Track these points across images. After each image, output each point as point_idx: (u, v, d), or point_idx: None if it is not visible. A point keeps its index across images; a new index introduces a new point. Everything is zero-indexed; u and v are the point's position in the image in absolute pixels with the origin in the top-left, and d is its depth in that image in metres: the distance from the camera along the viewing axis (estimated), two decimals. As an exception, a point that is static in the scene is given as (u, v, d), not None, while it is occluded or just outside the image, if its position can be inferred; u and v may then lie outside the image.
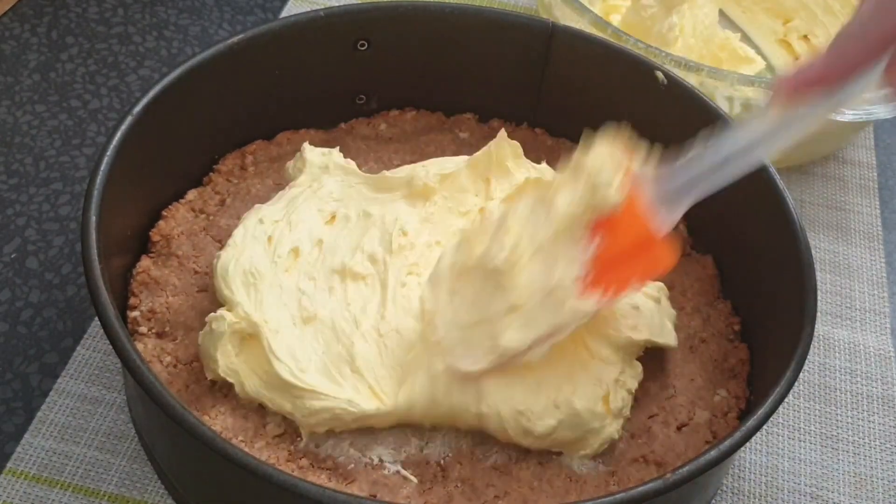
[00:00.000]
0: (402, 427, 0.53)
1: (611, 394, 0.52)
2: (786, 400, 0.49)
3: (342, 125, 0.71)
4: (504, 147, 0.61)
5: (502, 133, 0.61)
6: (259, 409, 0.53)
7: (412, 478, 0.52)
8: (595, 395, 0.52)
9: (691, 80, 0.67)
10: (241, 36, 0.62)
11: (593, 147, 0.50)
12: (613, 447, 0.54)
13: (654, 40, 0.76)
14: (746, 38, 0.87)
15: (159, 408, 0.45)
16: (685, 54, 0.76)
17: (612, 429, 0.53)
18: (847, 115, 0.68)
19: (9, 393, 0.59)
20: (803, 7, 0.87)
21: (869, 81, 0.44)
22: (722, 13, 0.88)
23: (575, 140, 0.71)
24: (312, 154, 0.61)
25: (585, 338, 0.54)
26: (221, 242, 0.61)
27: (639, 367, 0.56)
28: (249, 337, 0.53)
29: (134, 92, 0.79)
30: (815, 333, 0.65)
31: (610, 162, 0.50)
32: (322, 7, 0.65)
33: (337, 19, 0.65)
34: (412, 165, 0.62)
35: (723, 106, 0.70)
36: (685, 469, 0.46)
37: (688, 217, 0.66)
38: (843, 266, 0.73)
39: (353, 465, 0.52)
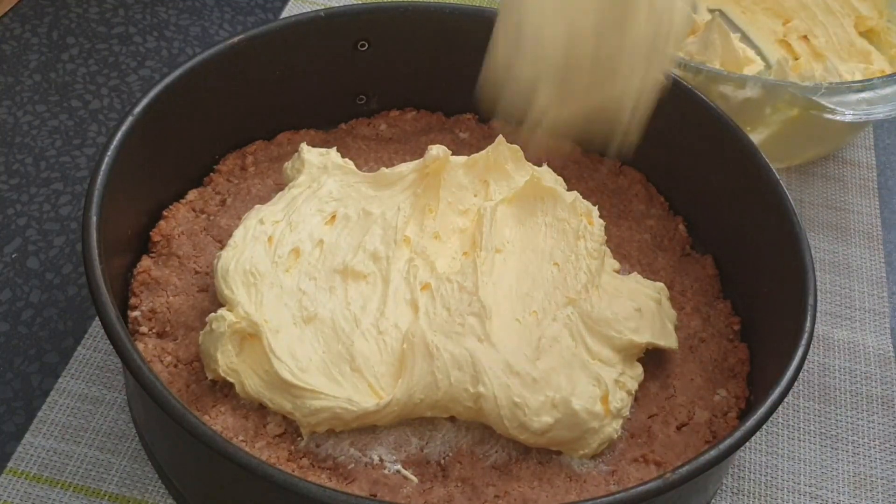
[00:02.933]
0: (403, 426, 0.53)
1: (610, 394, 0.52)
2: (786, 400, 0.49)
3: (342, 125, 0.71)
4: (503, 151, 0.61)
5: (500, 139, 0.61)
6: (259, 409, 0.53)
7: (412, 477, 0.52)
8: (594, 395, 0.52)
9: (691, 80, 0.67)
10: (241, 36, 0.62)
11: None
12: (613, 447, 0.54)
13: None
14: (746, 39, 0.87)
15: (160, 407, 0.45)
16: None
17: (611, 429, 0.53)
18: (847, 116, 0.68)
19: (9, 393, 0.59)
20: (803, 7, 0.87)
21: None
22: (722, 13, 0.88)
23: (575, 140, 0.72)
24: (310, 154, 0.61)
25: (586, 338, 0.54)
26: (222, 242, 0.61)
27: (639, 368, 0.56)
28: (250, 337, 0.53)
29: (134, 92, 0.79)
30: (815, 333, 0.65)
31: None
32: (322, 7, 0.65)
33: (337, 19, 0.65)
34: (412, 162, 0.62)
35: (722, 106, 0.70)
36: (685, 469, 0.46)
37: (688, 217, 0.67)
38: (843, 266, 0.73)
39: (353, 465, 0.52)
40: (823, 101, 0.68)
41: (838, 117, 0.68)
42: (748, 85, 0.69)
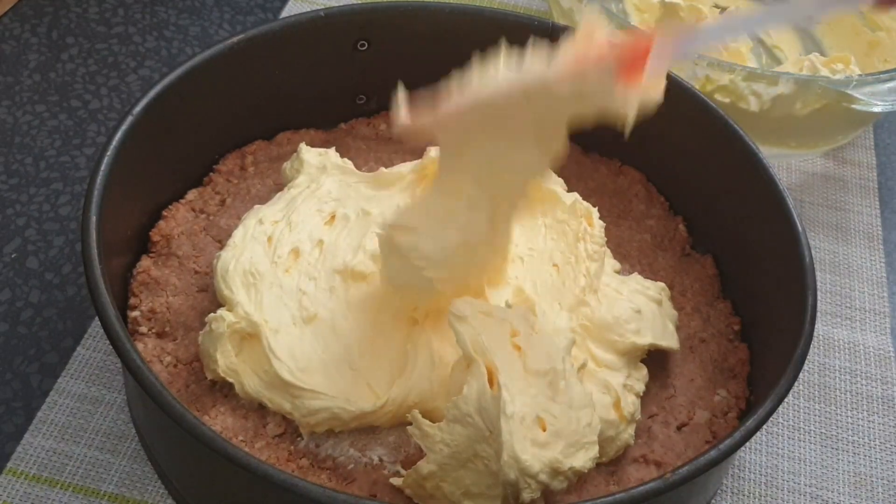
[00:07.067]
0: (402, 427, 0.53)
1: (621, 399, 0.52)
2: (786, 400, 0.49)
3: (342, 125, 0.71)
4: None
5: None
6: (259, 409, 0.53)
7: (412, 478, 0.51)
8: (605, 403, 0.52)
9: (723, 78, 0.68)
10: (241, 36, 0.62)
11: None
12: (612, 447, 0.54)
13: None
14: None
15: (159, 408, 0.45)
16: None
17: (627, 435, 0.53)
18: (878, 106, 0.69)
19: (9, 393, 0.59)
20: None
21: None
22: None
23: (574, 139, 0.72)
24: (309, 154, 0.61)
25: (590, 346, 0.54)
26: (221, 242, 0.61)
27: (644, 369, 0.56)
28: (249, 337, 0.53)
29: (134, 92, 0.79)
30: (815, 333, 0.65)
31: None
32: (322, 7, 0.65)
33: (337, 19, 0.65)
34: (410, 162, 0.62)
35: (753, 102, 0.70)
36: (685, 469, 0.46)
37: (688, 217, 0.67)
38: (843, 266, 0.73)
39: (353, 465, 0.52)
40: (855, 94, 0.68)
41: (871, 108, 0.69)
42: (781, 81, 0.69)
